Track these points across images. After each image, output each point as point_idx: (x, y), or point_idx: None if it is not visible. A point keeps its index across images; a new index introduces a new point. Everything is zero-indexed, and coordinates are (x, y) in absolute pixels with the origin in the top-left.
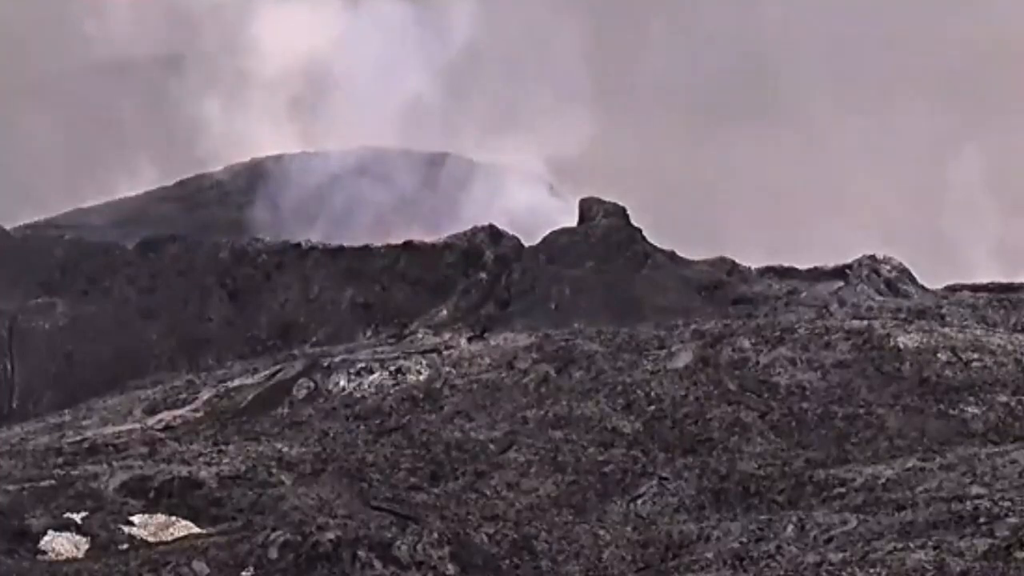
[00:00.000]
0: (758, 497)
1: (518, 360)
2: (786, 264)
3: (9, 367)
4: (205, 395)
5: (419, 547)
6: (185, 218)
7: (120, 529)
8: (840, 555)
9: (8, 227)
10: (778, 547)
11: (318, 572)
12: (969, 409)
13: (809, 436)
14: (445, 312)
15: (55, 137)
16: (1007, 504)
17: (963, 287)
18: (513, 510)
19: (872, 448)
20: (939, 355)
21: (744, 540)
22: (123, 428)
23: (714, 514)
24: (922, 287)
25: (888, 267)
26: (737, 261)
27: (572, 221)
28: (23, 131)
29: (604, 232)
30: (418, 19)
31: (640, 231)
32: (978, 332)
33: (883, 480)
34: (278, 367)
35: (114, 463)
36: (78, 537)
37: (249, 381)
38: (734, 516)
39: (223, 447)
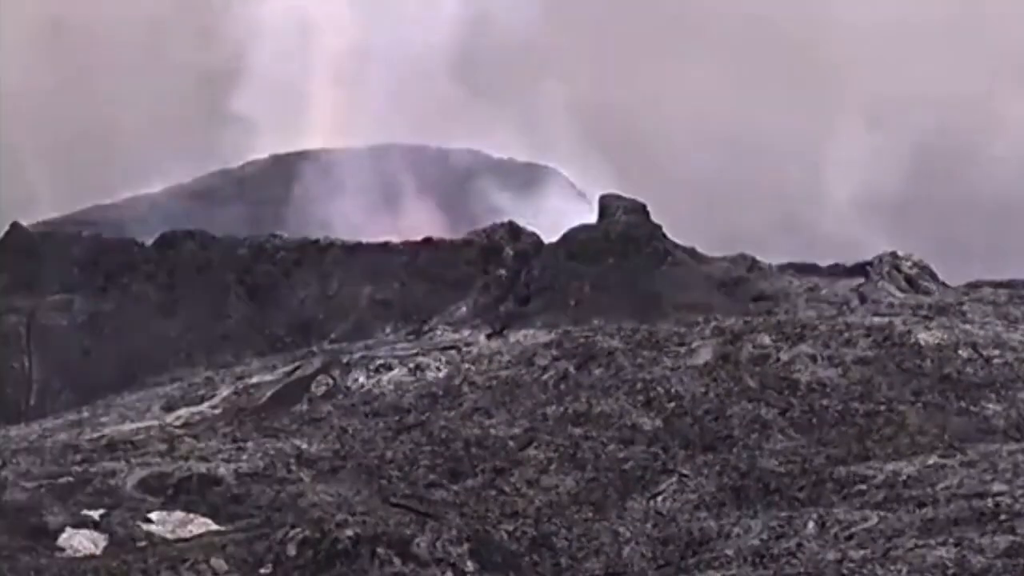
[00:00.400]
0: (778, 494)
1: (537, 357)
2: (807, 261)
3: (27, 364)
4: (223, 392)
5: (438, 544)
6: (204, 215)
7: (138, 526)
8: (861, 552)
9: (27, 224)
10: (799, 544)
11: (337, 569)
12: (990, 406)
13: (830, 433)
14: (464, 309)
15: (73, 135)
16: None
17: (984, 284)
18: (532, 507)
19: (893, 445)
20: (960, 352)
21: (764, 537)
22: (141, 425)
23: (734, 511)
24: (943, 284)
25: (909, 264)
26: (757, 258)
27: (592, 218)
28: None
29: (624, 229)
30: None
31: (660, 228)
32: (999, 329)
33: (904, 477)
34: (297, 364)
35: (132, 460)
36: (96, 534)
37: (268, 378)
38: (754, 513)
39: (241, 444)
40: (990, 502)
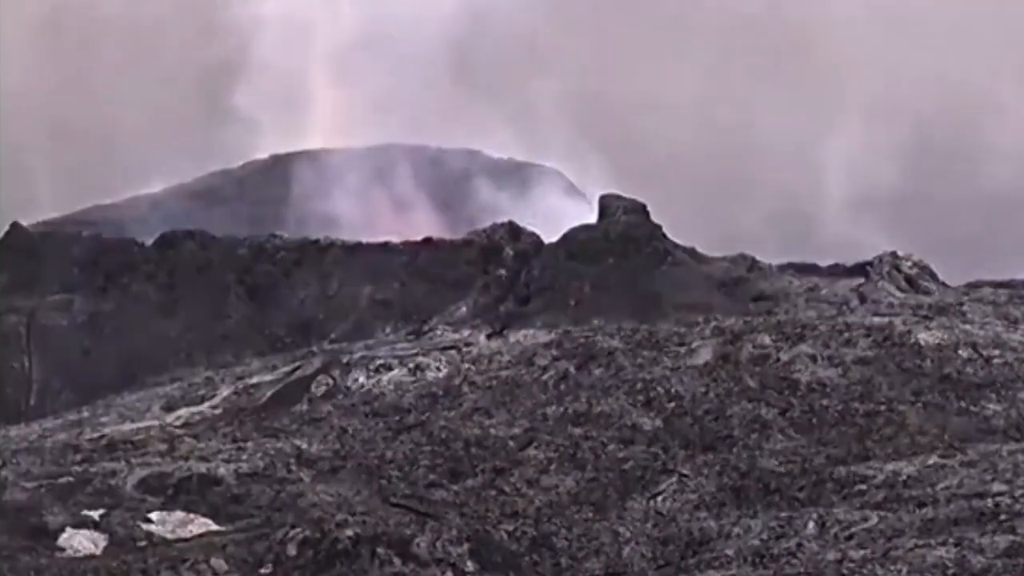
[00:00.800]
0: (778, 494)
1: (538, 357)
2: (806, 261)
3: (27, 364)
4: (224, 392)
5: (438, 544)
6: (204, 215)
7: (138, 526)
8: (861, 552)
9: (27, 224)
10: (799, 544)
11: (337, 569)
12: (990, 406)
13: (830, 433)
14: (464, 309)
15: (73, 135)
16: None
17: (984, 284)
18: (532, 507)
19: (893, 445)
20: (960, 352)
21: (764, 537)
22: (141, 425)
23: (734, 511)
24: (943, 284)
25: (909, 264)
26: (757, 258)
27: (592, 218)
28: (39, 129)
29: (624, 229)
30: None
31: (660, 228)
32: (999, 329)
33: (904, 477)
34: (297, 364)
35: (132, 460)
36: (96, 534)
37: (268, 378)
38: (754, 513)
39: (241, 444)
40: (990, 502)
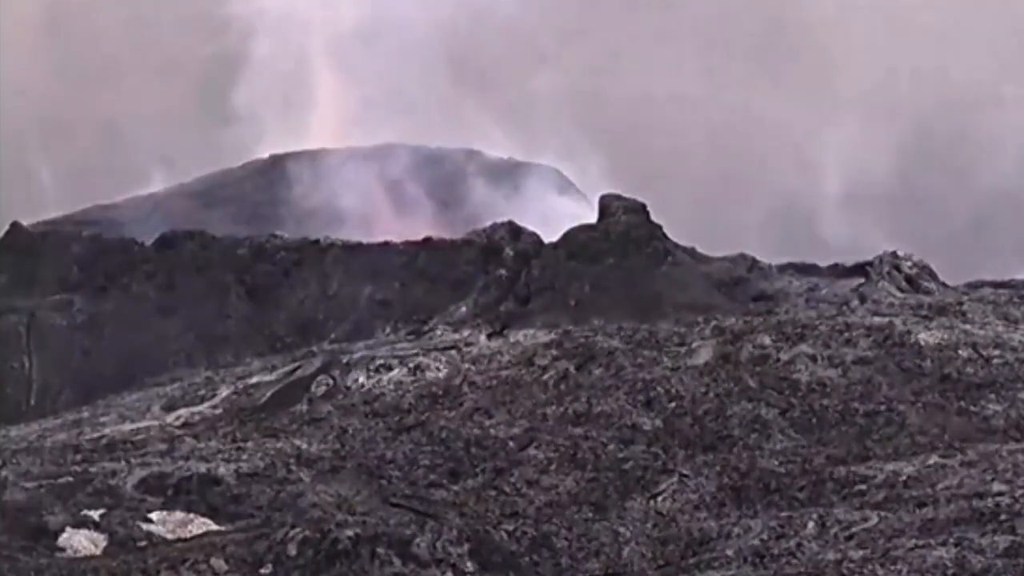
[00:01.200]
0: (778, 494)
1: (538, 357)
2: (806, 261)
3: (27, 364)
4: (223, 392)
5: (438, 544)
6: (204, 215)
7: (138, 526)
8: (861, 552)
9: (27, 224)
10: (799, 544)
11: (337, 569)
12: (990, 406)
13: (830, 433)
14: (464, 309)
15: (73, 135)
16: None
17: (984, 284)
18: (532, 507)
19: (893, 445)
20: (960, 352)
21: (764, 537)
22: (141, 425)
23: (734, 511)
24: (943, 284)
25: (909, 264)
26: (757, 258)
27: (592, 218)
28: (39, 129)
29: (624, 229)
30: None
31: (660, 228)
32: (999, 329)
33: (904, 477)
34: (297, 364)
35: (132, 460)
36: (96, 534)
37: (268, 378)
38: (754, 513)
39: (241, 444)
40: (990, 502)
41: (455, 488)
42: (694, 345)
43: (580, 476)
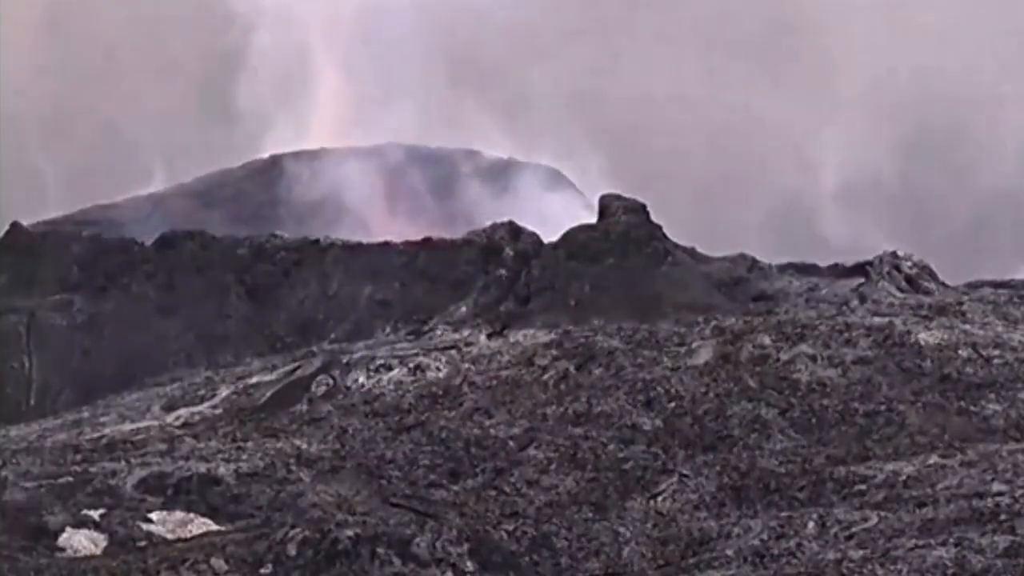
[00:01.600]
0: (778, 494)
1: (538, 357)
2: (806, 261)
3: (27, 364)
4: (223, 392)
5: (438, 544)
6: (204, 215)
7: (138, 526)
8: (861, 552)
9: (27, 223)
10: (798, 544)
11: (337, 569)
12: (990, 406)
13: (830, 433)
14: (464, 309)
15: (73, 135)
16: None
17: (984, 284)
18: (532, 507)
19: (893, 445)
20: (960, 352)
21: (764, 537)
22: (141, 425)
23: (734, 511)
24: (943, 284)
25: (909, 264)
26: (757, 258)
27: (592, 218)
28: (39, 129)
29: (624, 229)
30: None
31: (660, 228)
32: (999, 329)
33: (904, 477)
34: (297, 364)
35: (132, 460)
36: (96, 534)
37: (268, 378)
38: (754, 513)
39: (241, 444)
40: (990, 502)
41: (455, 488)
42: (694, 345)
43: (580, 476)
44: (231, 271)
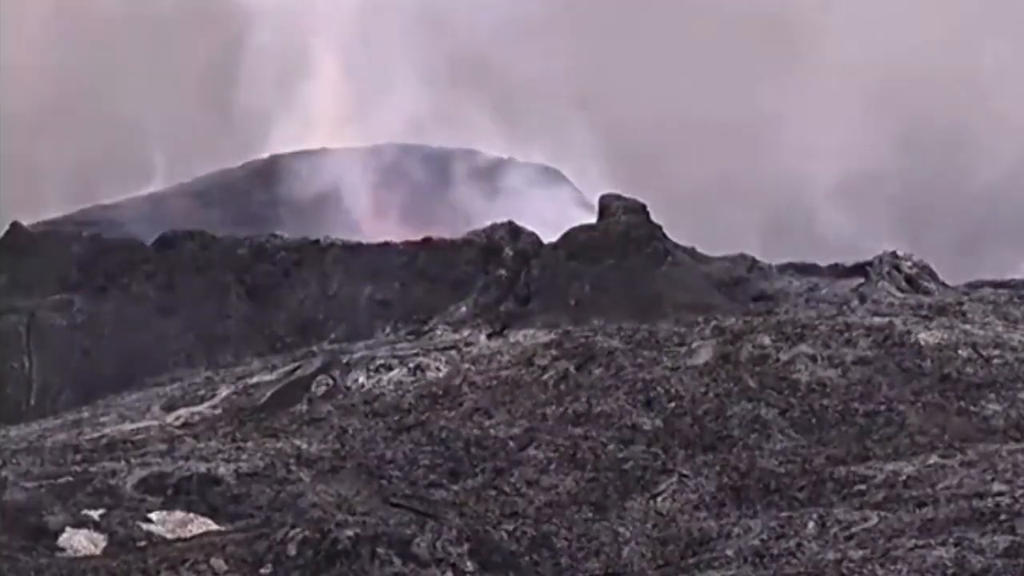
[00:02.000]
0: (778, 494)
1: (537, 357)
2: (806, 261)
3: (27, 364)
4: (223, 392)
5: (438, 544)
6: (204, 215)
7: (138, 526)
8: (861, 552)
9: (27, 223)
10: (798, 544)
11: (337, 569)
12: (990, 406)
13: (830, 433)
14: (464, 309)
15: (73, 135)
16: None
17: (984, 284)
18: (532, 507)
19: (893, 445)
20: (960, 352)
21: (764, 537)
22: (141, 425)
23: (734, 511)
24: (943, 284)
25: (909, 264)
26: (757, 258)
27: (591, 218)
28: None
29: (624, 229)
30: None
31: (660, 228)
32: (999, 329)
33: (904, 477)
34: (297, 364)
35: (132, 460)
36: (96, 534)
37: (268, 378)
38: (754, 513)
39: (241, 444)
40: (990, 502)
41: (455, 488)
42: (694, 345)
43: (580, 476)
44: (231, 271)
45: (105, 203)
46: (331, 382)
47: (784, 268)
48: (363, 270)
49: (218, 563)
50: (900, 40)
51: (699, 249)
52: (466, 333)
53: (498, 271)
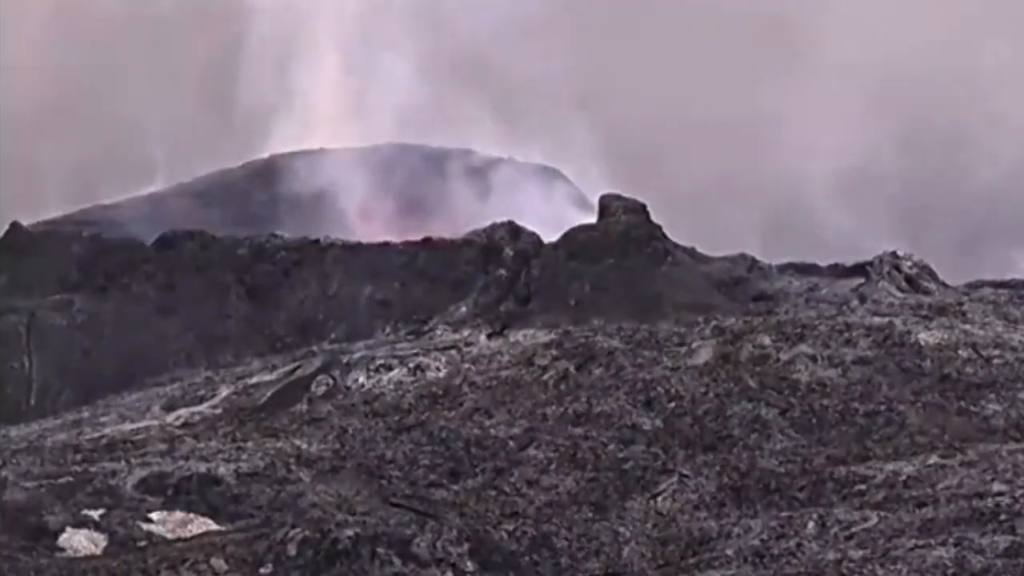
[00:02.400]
0: (778, 494)
1: (537, 357)
2: (806, 261)
3: (27, 364)
4: (223, 392)
5: (438, 544)
6: (204, 215)
7: (138, 526)
8: (861, 552)
9: (27, 223)
10: (798, 544)
11: (337, 569)
12: (990, 406)
13: (830, 433)
14: (464, 309)
15: (73, 135)
16: None
17: (984, 284)
18: (532, 507)
19: (893, 445)
20: (960, 352)
21: (764, 537)
22: (141, 425)
23: (734, 511)
24: (943, 284)
25: (909, 264)
26: (757, 258)
27: (591, 217)
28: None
29: (624, 229)
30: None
31: (660, 228)
32: (999, 329)
33: (904, 477)
34: (297, 364)
35: (132, 460)
36: (96, 534)
37: (268, 378)
38: (754, 513)
39: (241, 444)
40: (990, 502)
41: (455, 488)
42: (694, 345)
43: (580, 476)
44: (231, 271)
45: (105, 203)
46: (331, 382)
47: (784, 268)
48: (363, 270)
49: (218, 563)
50: (900, 40)
51: (699, 249)
52: (466, 333)
53: (498, 271)
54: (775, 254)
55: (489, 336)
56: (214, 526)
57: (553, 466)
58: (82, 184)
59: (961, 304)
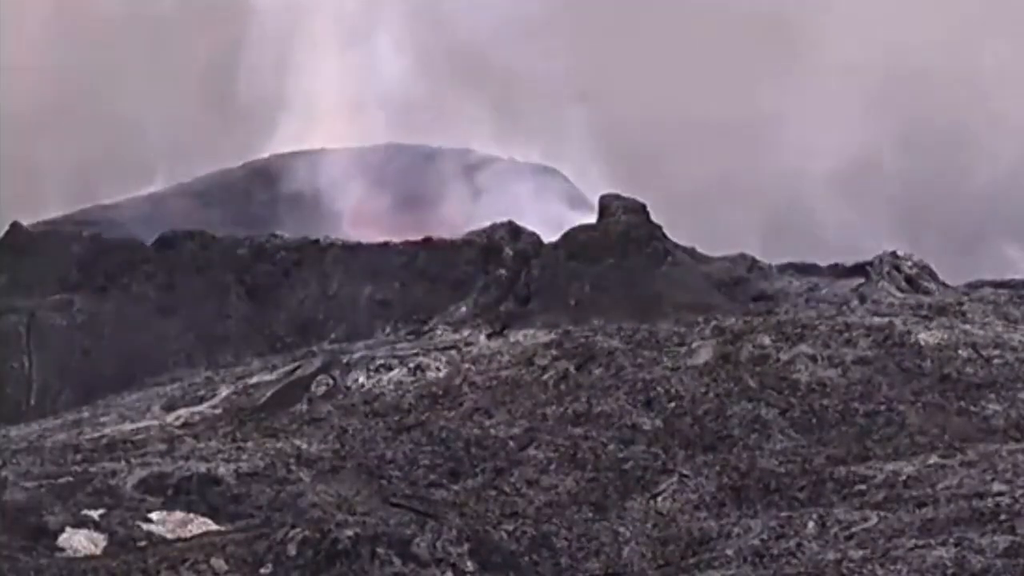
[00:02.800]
0: (778, 494)
1: (538, 357)
2: (806, 261)
3: (27, 364)
4: (223, 392)
5: (438, 544)
6: (204, 215)
7: (138, 526)
8: (861, 552)
9: (27, 223)
10: (798, 544)
11: (337, 569)
12: (990, 406)
13: (830, 433)
14: (464, 309)
15: (73, 135)
16: None
17: (984, 284)
18: (532, 507)
19: (893, 445)
20: (960, 352)
21: (764, 537)
22: (141, 425)
23: (734, 511)
24: (943, 284)
25: (909, 264)
26: (757, 258)
27: (591, 217)
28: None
29: (624, 229)
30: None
31: (660, 228)
32: (999, 329)
33: (904, 477)
34: (296, 364)
35: (132, 460)
36: (96, 534)
37: (268, 378)
38: (754, 513)
39: (241, 444)
40: (990, 502)
41: (455, 488)
42: (694, 345)
43: (580, 476)
44: (231, 271)
45: (105, 203)
46: (331, 382)
47: (784, 268)
48: (363, 270)
49: (218, 563)
50: (900, 40)
51: (699, 249)
52: (466, 333)
53: (498, 271)
54: (775, 254)
55: (489, 336)
56: (214, 526)
57: (553, 466)
58: (82, 184)
59: (961, 304)
